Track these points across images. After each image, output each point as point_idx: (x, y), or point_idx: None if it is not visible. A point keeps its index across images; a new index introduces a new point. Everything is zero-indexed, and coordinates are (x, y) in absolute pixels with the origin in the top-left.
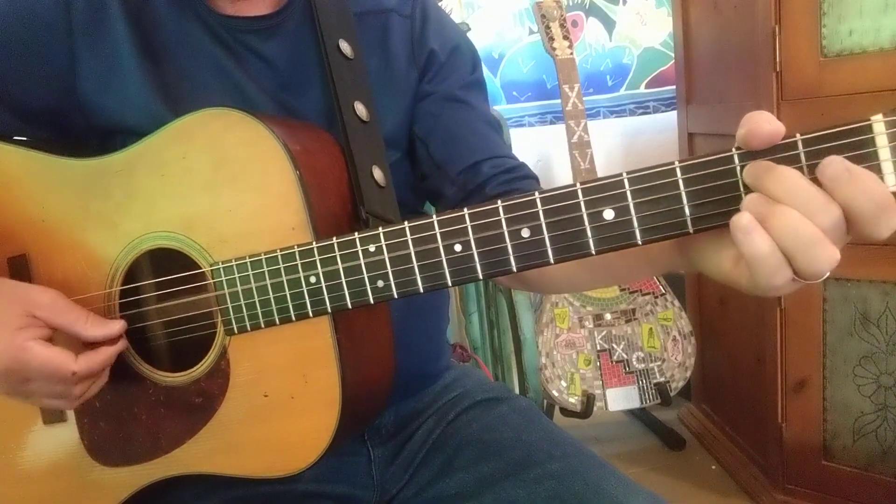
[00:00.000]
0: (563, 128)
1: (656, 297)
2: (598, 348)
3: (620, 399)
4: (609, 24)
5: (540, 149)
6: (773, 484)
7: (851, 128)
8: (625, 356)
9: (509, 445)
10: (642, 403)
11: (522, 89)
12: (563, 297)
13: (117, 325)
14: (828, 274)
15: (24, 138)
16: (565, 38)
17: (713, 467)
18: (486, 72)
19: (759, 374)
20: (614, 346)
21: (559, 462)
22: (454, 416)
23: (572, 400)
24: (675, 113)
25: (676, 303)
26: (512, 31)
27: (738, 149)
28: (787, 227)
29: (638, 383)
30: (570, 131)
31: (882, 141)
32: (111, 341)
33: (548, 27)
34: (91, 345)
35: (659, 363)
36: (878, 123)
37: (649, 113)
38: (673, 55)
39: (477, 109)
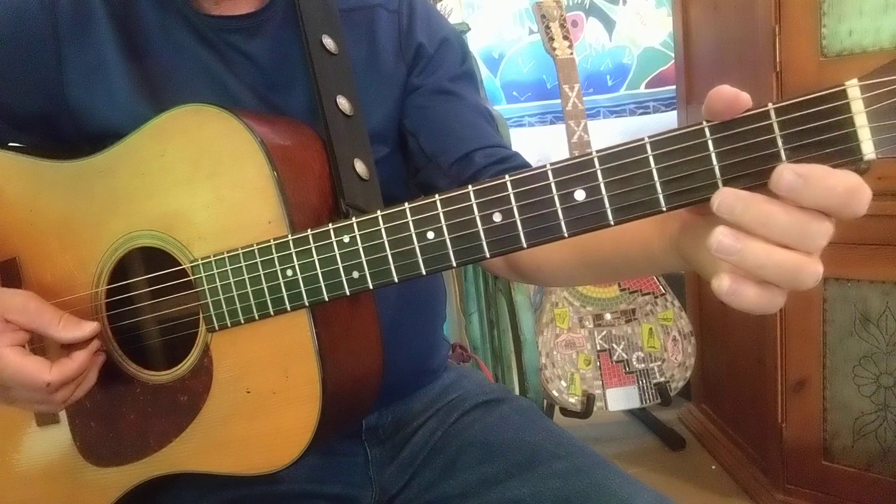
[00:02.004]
0: (563, 128)
1: (656, 297)
2: (598, 348)
3: (620, 399)
4: (609, 24)
5: (540, 149)
6: (773, 484)
7: (825, 94)
8: (625, 356)
9: (512, 446)
10: (642, 403)
11: (522, 89)
12: (563, 297)
13: (89, 327)
14: None
15: (18, 144)
16: (565, 38)
17: (713, 467)
18: (486, 72)
19: (759, 374)
20: (614, 346)
21: (563, 461)
22: (455, 419)
23: (572, 400)
24: (675, 113)
25: (676, 303)
26: (512, 31)
27: (708, 122)
28: (774, 272)
29: (638, 383)
30: (570, 131)
31: (857, 106)
32: (86, 344)
33: (548, 27)
34: (70, 349)
35: (659, 363)
36: (853, 88)
37: (649, 113)
38: (673, 55)
39: (467, 100)
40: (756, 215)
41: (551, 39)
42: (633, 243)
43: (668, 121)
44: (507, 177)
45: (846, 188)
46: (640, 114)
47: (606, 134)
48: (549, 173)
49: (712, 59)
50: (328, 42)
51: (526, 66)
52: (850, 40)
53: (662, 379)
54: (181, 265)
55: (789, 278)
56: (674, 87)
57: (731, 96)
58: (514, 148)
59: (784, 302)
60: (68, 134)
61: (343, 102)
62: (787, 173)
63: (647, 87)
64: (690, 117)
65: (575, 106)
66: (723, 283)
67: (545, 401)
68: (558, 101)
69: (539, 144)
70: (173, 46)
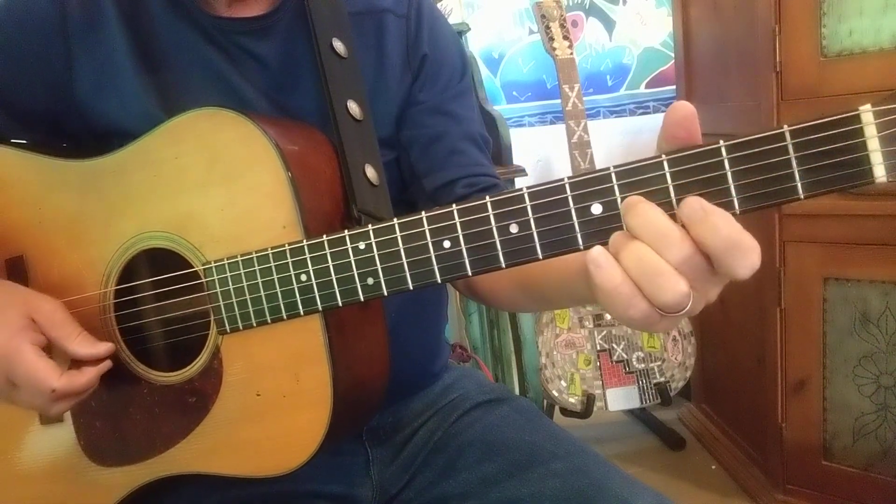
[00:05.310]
0: (563, 128)
1: None
2: (598, 348)
3: (620, 399)
4: (609, 24)
5: (540, 149)
6: (773, 484)
7: (839, 118)
8: (625, 356)
9: (512, 446)
10: (642, 403)
11: (522, 89)
12: None
13: (104, 347)
14: (689, 308)
15: (22, 141)
16: (565, 38)
17: (713, 467)
18: (486, 72)
19: (759, 374)
20: (614, 346)
21: (563, 461)
22: (456, 419)
23: (572, 400)
24: None
25: None
26: (512, 31)
27: (723, 140)
28: (633, 259)
29: (638, 383)
30: (570, 131)
31: (871, 132)
32: (98, 362)
33: (548, 27)
34: (80, 363)
35: (659, 363)
36: (867, 114)
37: (649, 113)
38: (673, 55)
39: (462, 122)
40: (636, 216)
41: (551, 39)
42: (555, 270)
43: None
44: (524, 189)
45: (734, 237)
46: (640, 114)
47: (606, 134)
48: (567, 186)
49: (712, 59)
50: (338, 45)
51: (526, 66)
52: (850, 40)
53: (662, 379)
54: (193, 267)
55: (648, 278)
56: (674, 87)
57: (682, 117)
58: (514, 148)
59: (640, 315)
60: (74, 131)
61: (353, 107)
62: (693, 202)
63: (647, 86)
64: None
65: (575, 106)
66: (595, 249)
67: (545, 401)
68: (558, 101)
69: (539, 144)
70: (182, 47)
